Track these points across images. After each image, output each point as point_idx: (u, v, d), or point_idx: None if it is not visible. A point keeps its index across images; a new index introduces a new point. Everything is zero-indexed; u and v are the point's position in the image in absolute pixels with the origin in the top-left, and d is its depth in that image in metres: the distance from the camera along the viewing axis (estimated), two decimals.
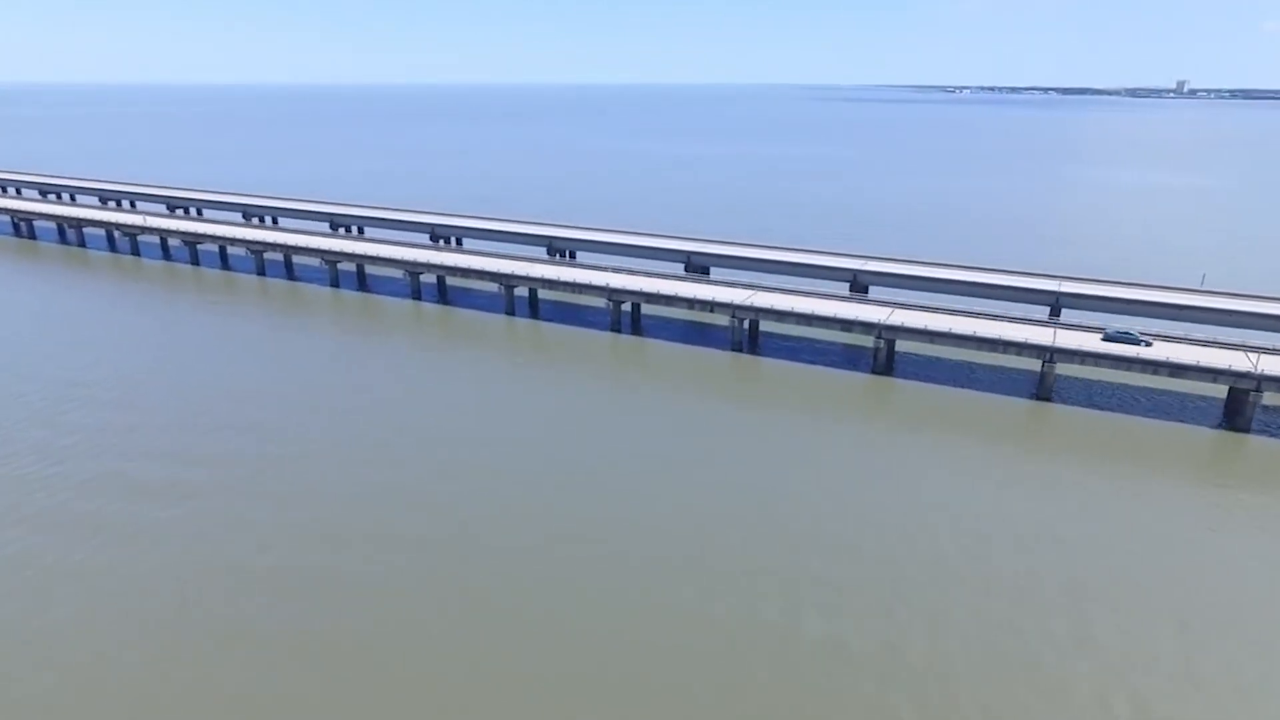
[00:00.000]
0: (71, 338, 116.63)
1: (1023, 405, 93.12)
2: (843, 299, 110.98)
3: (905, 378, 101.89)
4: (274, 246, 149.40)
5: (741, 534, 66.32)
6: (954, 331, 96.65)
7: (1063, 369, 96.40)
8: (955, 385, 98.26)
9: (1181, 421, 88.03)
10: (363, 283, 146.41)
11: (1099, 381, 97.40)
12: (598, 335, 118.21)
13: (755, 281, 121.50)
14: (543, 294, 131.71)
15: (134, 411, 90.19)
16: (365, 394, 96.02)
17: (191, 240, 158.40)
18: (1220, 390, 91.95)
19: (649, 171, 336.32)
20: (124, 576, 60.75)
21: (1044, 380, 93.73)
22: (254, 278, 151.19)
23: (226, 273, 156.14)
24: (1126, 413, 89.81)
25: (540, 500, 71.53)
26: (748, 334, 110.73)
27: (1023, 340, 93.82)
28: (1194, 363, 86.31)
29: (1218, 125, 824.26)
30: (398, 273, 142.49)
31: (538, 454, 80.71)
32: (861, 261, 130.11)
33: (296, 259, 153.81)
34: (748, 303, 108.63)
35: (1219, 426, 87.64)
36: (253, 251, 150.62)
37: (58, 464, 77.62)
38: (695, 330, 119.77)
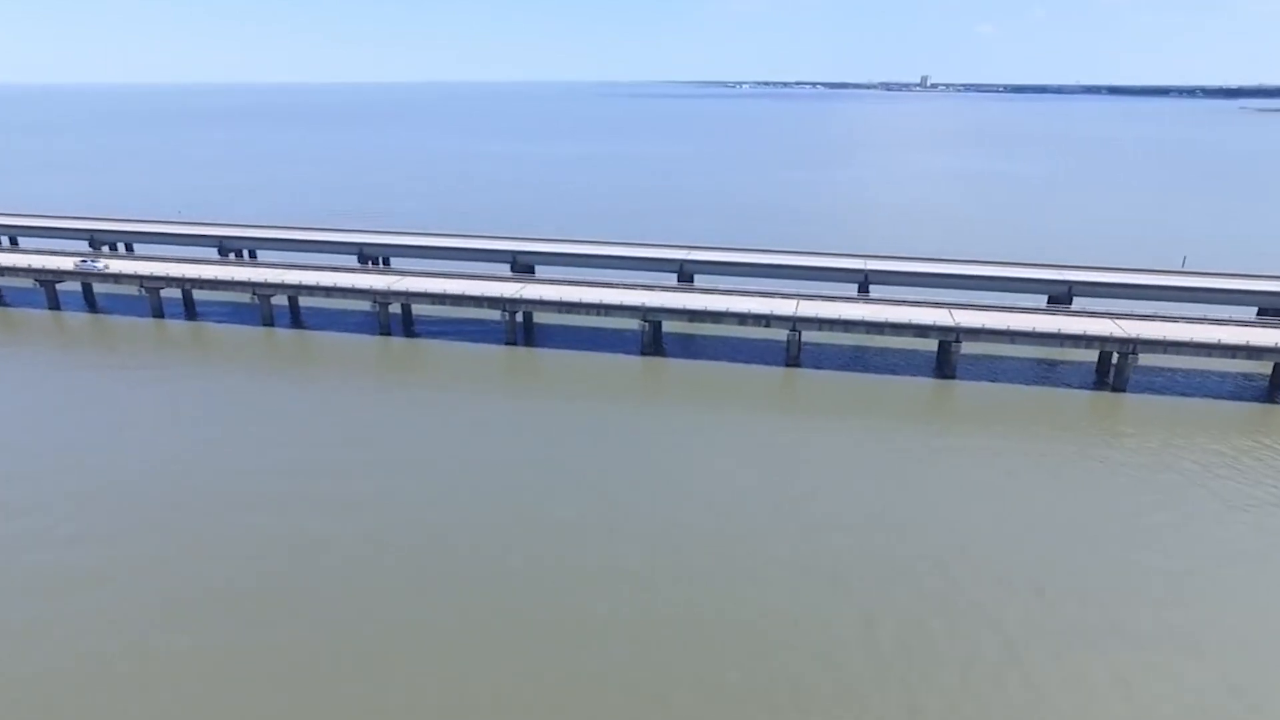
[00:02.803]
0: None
1: (1093, 396, 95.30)
2: (895, 303, 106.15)
3: (967, 379, 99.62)
4: (177, 281, 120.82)
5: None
6: (1037, 330, 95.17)
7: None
8: (1020, 383, 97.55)
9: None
10: (296, 318, 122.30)
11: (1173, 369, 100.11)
12: (625, 360, 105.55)
13: (743, 288, 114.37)
14: (538, 317, 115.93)
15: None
16: (381, 467, 77.90)
17: (49, 279, 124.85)
18: (1257, 366, 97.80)
19: (530, 176, 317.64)
20: None
21: (1120, 372, 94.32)
22: (148, 321, 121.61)
23: (95, 316, 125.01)
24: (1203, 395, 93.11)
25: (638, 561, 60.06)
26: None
27: (1100, 333, 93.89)
28: (1272, 345, 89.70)
29: (979, 116, 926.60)
30: (363, 303, 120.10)
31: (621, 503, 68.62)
32: (863, 261, 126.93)
33: (207, 294, 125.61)
34: (803, 313, 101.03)
35: (1264, 400, 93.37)
36: (147, 289, 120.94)
37: None
38: (721, 345, 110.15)
